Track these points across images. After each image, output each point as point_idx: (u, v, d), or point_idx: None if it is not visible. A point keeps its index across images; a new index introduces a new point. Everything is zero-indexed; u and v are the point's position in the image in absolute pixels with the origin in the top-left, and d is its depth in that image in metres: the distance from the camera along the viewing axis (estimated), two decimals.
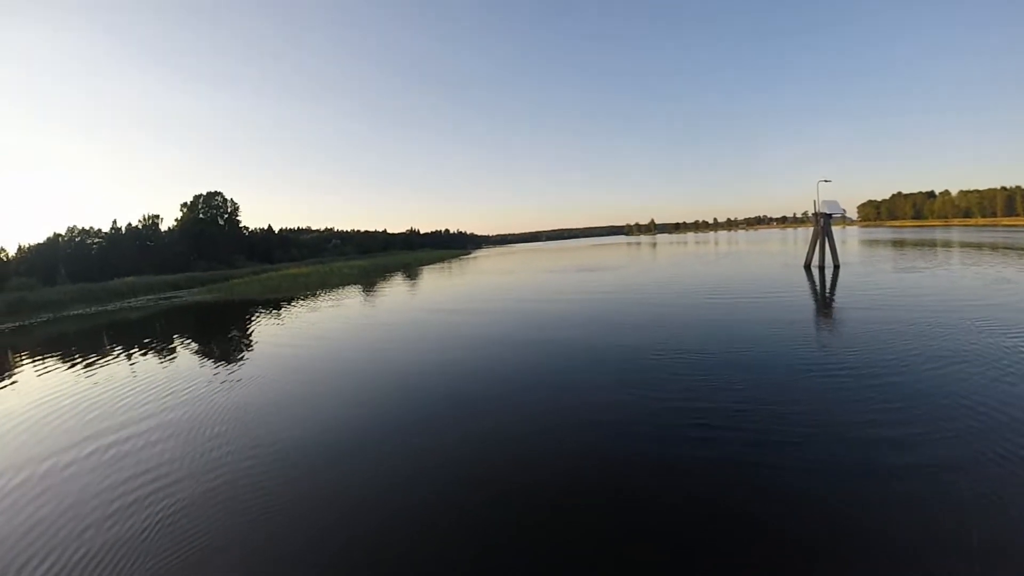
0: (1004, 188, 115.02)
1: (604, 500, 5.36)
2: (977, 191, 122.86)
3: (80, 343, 20.61)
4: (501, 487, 5.77)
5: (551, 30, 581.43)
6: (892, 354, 10.00)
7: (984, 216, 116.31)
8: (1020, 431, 6.23)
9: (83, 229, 63.39)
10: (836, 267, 27.42)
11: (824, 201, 27.94)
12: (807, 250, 29.64)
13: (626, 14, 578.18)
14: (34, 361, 16.59)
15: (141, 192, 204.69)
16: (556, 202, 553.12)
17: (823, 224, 28.00)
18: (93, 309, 33.04)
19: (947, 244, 44.95)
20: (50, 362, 16.07)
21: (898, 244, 47.86)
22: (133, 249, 66.06)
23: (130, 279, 48.79)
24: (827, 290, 20.20)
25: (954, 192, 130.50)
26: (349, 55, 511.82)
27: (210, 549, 4.98)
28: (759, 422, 7.03)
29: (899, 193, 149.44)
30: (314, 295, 32.21)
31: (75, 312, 31.56)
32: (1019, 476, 5.19)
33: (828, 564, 4.16)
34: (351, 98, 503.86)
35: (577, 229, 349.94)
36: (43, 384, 13.07)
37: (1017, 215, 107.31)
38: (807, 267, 28.71)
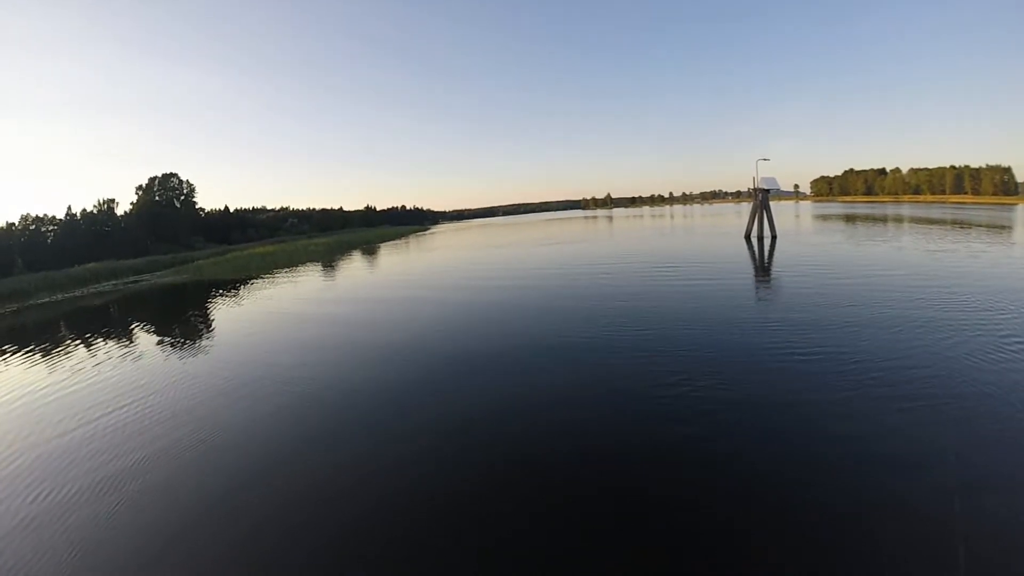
0: (953, 167, 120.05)
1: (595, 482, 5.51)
2: (927, 169, 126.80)
3: (61, 330, 21.33)
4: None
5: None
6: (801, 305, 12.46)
7: (933, 193, 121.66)
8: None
9: (37, 217, 61.28)
10: (773, 237, 29.92)
11: (763, 178, 30.30)
12: (747, 222, 32.07)
13: None
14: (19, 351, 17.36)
15: (94, 177, 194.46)
16: (512, 177, 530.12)
17: (761, 199, 30.39)
18: (60, 296, 32.78)
19: (888, 219, 48.51)
20: (37, 349, 17.05)
21: (844, 218, 51.23)
22: (89, 235, 64.16)
23: (91, 265, 47.94)
24: (763, 257, 22.88)
25: (905, 170, 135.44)
26: (294, 26, 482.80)
27: (180, 548, 4.93)
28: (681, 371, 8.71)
29: (851, 170, 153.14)
30: (288, 271, 32.60)
31: (42, 300, 31.34)
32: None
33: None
34: (298, 73, 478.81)
35: (533, 204, 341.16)
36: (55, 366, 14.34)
37: (965, 193, 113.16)
38: (747, 237, 31.15)
